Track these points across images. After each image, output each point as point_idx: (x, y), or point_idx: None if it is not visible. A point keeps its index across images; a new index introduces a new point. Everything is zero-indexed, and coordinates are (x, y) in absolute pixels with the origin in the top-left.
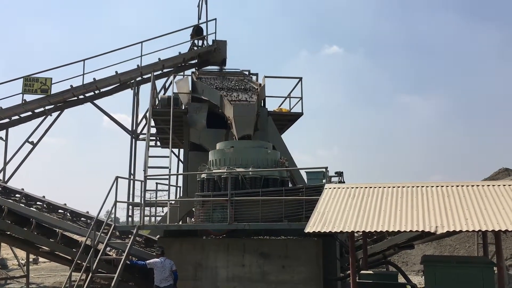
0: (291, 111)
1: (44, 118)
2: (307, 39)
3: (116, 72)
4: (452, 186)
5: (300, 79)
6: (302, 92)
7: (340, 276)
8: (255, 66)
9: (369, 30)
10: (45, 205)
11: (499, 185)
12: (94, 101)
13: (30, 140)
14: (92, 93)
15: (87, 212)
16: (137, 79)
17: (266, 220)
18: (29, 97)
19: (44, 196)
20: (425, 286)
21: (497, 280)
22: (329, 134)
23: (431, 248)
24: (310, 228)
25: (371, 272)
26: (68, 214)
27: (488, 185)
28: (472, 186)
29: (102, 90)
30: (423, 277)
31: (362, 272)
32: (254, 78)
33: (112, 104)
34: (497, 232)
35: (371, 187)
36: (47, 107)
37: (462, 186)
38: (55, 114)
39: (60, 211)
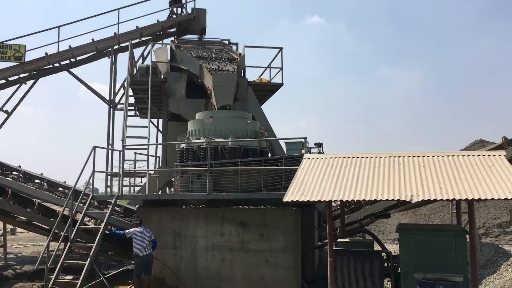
0: (271, 81)
1: (19, 87)
2: (288, 9)
3: (93, 39)
4: (428, 156)
5: (281, 49)
6: (282, 62)
7: (318, 245)
8: (235, 35)
9: (351, 0)
10: (21, 175)
11: (473, 156)
12: (70, 70)
13: (4, 109)
14: (68, 61)
15: (65, 182)
16: (115, 48)
17: (245, 190)
18: (2, 65)
19: (20, 166)
20: (400, 253)
21: (469, 247)
22: (309, 104)
23: (407, 218)
24: (288, 197)
25: (348, 240)
26: (45, 184)
27: (463, 156)
28: (448, 156)
29: (78, 58)
30: (398, 245)
31: (339, 240)
32: (234, 47)
33: (89, 73)
34: (470, 201)
35: (349, 157)
36: (21, 75)
37: (438, 156)
38: (29, 83)
39: (36, 181)
